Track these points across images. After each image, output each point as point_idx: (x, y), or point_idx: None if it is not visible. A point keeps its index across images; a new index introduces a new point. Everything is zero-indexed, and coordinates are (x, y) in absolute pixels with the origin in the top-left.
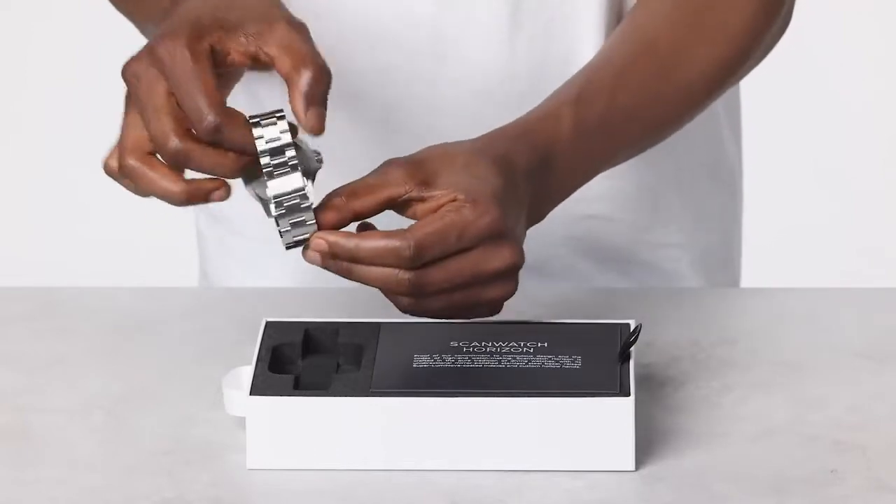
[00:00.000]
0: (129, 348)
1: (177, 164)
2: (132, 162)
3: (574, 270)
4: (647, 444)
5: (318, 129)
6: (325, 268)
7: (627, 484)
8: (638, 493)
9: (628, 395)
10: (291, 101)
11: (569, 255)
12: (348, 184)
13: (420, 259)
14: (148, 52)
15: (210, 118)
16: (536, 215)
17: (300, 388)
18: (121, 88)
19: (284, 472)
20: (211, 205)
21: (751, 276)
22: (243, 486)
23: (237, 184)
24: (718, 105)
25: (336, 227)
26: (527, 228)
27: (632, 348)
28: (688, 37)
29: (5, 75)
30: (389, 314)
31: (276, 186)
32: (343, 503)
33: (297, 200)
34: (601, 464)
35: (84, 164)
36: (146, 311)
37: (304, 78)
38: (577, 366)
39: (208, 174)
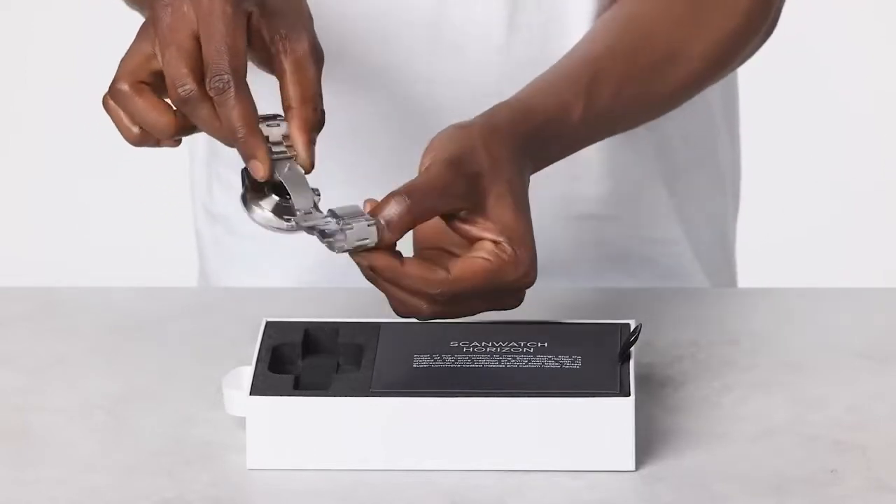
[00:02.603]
0: (129, 348)
1: (184, 109)
2: (123, 86)
3: (574, 270)
4: (647, 444)
5: (312, 168)
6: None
7: (627, 484)
8: (638, 493)
9: (628, 395)
10: (293, 131)
11: (568, 254)
12: (414, 189)
13: (449, 302)
14: None
15: (225, 76)
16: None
17: (300, 388)
18: None
19: (284, 472)
20: (210, 204)
21: (751, 275)
22: (243, 486)
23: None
24: (715, 106)
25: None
26: None
27: (632, 348)
28: (682, 32)
29: (5, 75)
30: (389, 314)
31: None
32: (343, 503)
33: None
34: (601, 464)
35: (84, 164)
36: (146, 311)
37: (311, 117)
38: (577, 366)
39: (208, 132)
